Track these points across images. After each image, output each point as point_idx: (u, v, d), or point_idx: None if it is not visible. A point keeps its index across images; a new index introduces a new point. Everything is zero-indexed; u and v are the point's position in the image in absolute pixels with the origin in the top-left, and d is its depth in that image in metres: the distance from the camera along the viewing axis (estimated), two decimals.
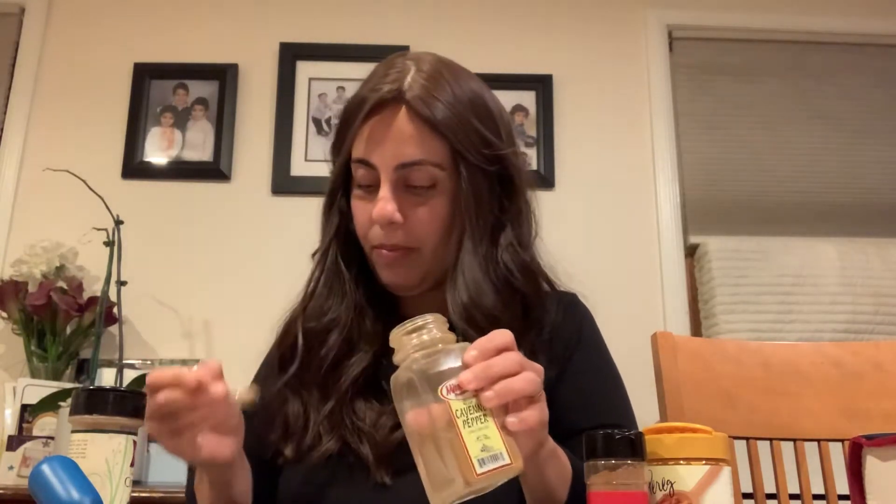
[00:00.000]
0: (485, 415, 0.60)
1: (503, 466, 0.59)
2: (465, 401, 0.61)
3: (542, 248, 0.99)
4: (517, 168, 0.94)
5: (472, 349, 0.63)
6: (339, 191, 0.94)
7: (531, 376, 0.63)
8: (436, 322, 0.65)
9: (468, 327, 0.85)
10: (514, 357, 0.64)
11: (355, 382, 0.89)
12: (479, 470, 0.59)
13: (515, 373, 0.62)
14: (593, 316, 1.01)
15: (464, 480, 0.59)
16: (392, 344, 0.66)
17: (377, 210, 0.86)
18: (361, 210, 0.90)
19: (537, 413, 0.63)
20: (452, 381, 0.61)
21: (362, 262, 0.94)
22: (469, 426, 0.60)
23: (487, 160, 0.90)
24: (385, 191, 0.87)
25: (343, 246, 0.94)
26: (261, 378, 1.02)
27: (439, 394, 0.61)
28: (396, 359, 0.65)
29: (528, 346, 0.87)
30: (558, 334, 0.93)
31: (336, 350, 0.91)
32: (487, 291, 0.87)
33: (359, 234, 0.92)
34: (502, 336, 0.65)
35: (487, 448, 0.59)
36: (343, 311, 0.92)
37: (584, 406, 0.90)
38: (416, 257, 0.90)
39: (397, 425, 0.82)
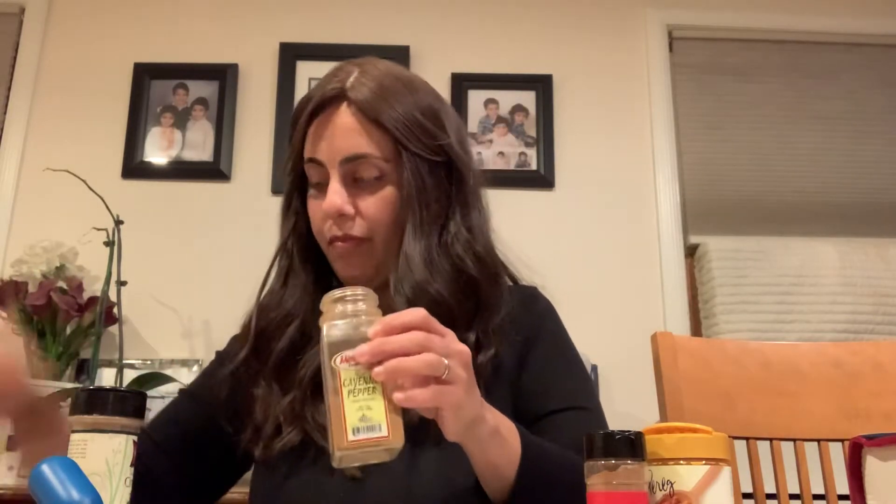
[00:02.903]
0: (373, 388, 0.63)
1: (378, 438, 0.62)
2: (358, 372, 0.63)
3: (499, 242, 1.01)
4: (463, 159, 0.96)
5: (378, 324, 0.65)
6: (295, 192, 0.97)
7: (430, 358, 0.64)
8: (365, 297, 0.68)
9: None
10: (416, 337, 0.65)
11: (314, 377, 0.90)
12: (350, 437, 0.62)
13: (414, 352, 0.64)
14: (555, 308, 1.03)
15: (336, 446, 0.62)
16: (321, 308, 0.68)
17: (327, 203, 0.89)
18: (315, 208, 0.93)
19: (429, 393, 0.64)
20: (350, 352, 0.64)
21: (319, 263, 0.97)
22: (353, 396, 0.63)
23: (431, 150, 0.92)
24: (334, 184, 0.90)
25: (299, 245, 0.97)
26: (212, 368, 1.04)
27: (333, 362, 0.64)
28: (319, 323, 0.67)
29: (481, 331, 0.90)
30: (518, 324, 0.95)
31: (292, 342, 0.93)
32: (432, 277, 0.89)
33: (314, 231, 0.94)
34: (413, 314, 0.67)
35: (366, 419, 0.62)
36: (300, 304, 0.95)
37: (547, 392, 0.93)
38: (369, 247, 0.91)
39: None
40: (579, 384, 0.96)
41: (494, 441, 0.73)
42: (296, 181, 0.96)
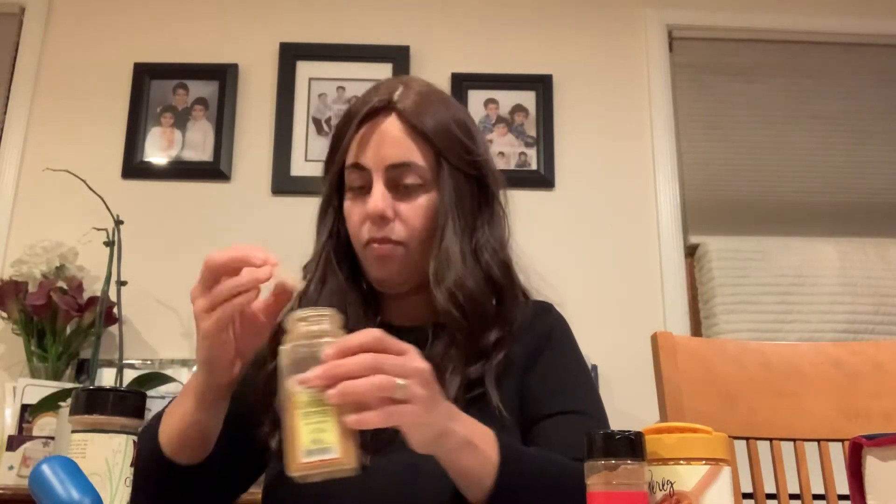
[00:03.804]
0: (327, 411, 0.64)
1: (329, 460, 0.64)
2: (311, 395, 0.64)
3: (516, 251, 1.05)
4: (494, 175, 1.02)
5: (331, 347, 0.66)
6: (334, 196, 1.01)
7: (380, 379, 0.66)
8: (330, 318, 0.69)
9: (452, 307, 0.92)
10: (366, 359, 0.66)
11: None
12: (302, 459, 0.64)
13: (365, 374, 0.65)
14: (566, 321, 1.07)
15: (290, 468, 0.64)
16: (285, 326, 0.69)
17: (371, 205, 0.93)
18: (354, 211, 0.97)
19: (381, 416, 0.66)
20: (304, 375, 0.65)
21: (353, 265, 1.00)
22: (307, 418, 0.64)
23: (468, 165, 0.98)
24: (378, 188, 0.94)
25: (337, 247, 1.01)
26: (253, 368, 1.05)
27: (289, 385, 0.65)
28: (282, 342, 0.68)
29: (500, 331, 0.95)
30: (532, 331, 0.99)
31: None
32: (469, 276, 0.94)
33: (351, 233, 0.98)
34: (367, 335, 0.68)
35: (319, 441, 0.63)
36: (335, 305, 0.95)
37: (549, 396, 0.95)
38: (404, 252, 0.96)
39: None
40: (582, 391, 0.98)
41: (466, 451, 0.75)
42: (336, 185, 1.00)
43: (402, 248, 0.95)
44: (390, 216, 0.94)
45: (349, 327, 0.92)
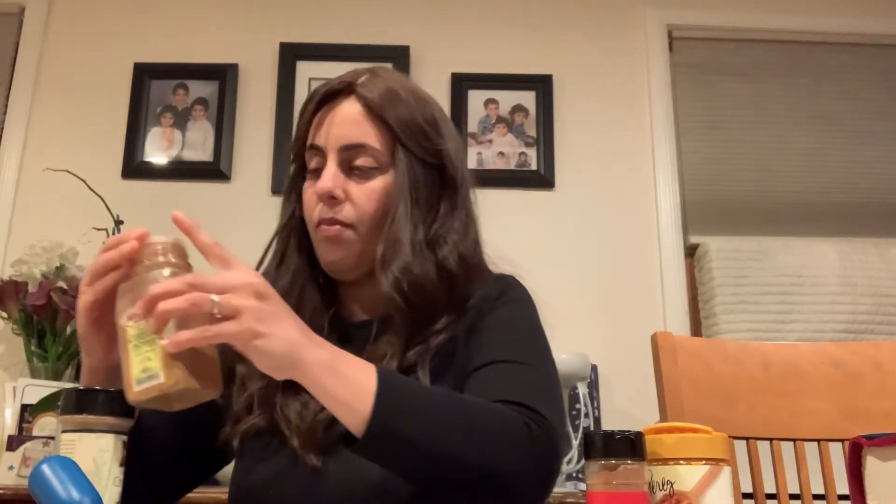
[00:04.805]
0: (154, 339, 0.65)
1: (156, 385, 0.65)
2: (140, 328, 0.66)
3: (488, 248, 1.02)
4: (456, 167, 0.99)
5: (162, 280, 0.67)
6: (297, 178, 1.00)
7: (191, 296, 0.65)
8: (166, 249, 0.70)
9: (395, 293, 0.89)
10: (185, 278, 0.66)
11: None
12: (135, 388, 0.65)
13: (178, 293, 0.65)
14: (522, 288, 0.99)
15: (127, 399, 0.66)
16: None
17: (320, 184, 0.93)
18: (310, 192, 0.96)
19: (193, 332, 0.65)
20: (132, 310, 0.66)
21: (311, 254, 0.98)
22: (138, 350, 0.66)
23: (427, 153, 0.96)
24: (330, 169, 0.93)
25: (297, 229, 0.99)
26: None
27: (121, 322, 0.67)
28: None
29: (444, 324, 0.90)
30: (482, 301, 0.94)
31: None
32: (417, 264, 0.91)
33: (305, 216, 0.97)
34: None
35: (147, 370, 0.65)
36: (292, 285, 0.96)
37: (485, 348, 0.89)
38: (352, 235, 0.93)
39: (321, 410, 0.85)
40: (522, 344, 0.91)
41: (329, 375, 0.72)
42: (298, 168, 1.00)
43: (350, 231, 0.93)
44: (340, 196, 0.92)
45: (306, 318, 0.87)
